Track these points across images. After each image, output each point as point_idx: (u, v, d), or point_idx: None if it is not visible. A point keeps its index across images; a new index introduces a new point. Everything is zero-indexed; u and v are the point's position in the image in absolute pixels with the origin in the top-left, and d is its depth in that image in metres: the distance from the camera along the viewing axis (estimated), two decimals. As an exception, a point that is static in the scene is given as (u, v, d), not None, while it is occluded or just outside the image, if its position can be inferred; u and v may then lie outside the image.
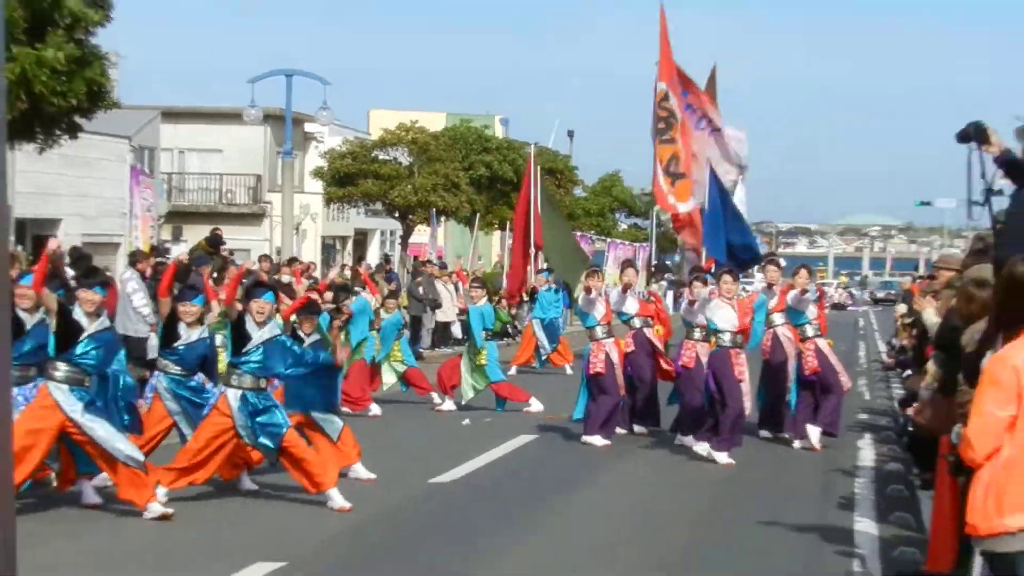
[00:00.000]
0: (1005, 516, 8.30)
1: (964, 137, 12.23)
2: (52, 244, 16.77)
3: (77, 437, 15.56)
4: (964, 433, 8.59)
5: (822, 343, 22.97)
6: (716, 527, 16.55)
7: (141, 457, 15.65)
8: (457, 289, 40.60)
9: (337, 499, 16.39)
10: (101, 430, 15.56)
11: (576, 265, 34.77)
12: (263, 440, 16.42)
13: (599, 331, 23.04)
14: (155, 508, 15.64)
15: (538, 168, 38.69)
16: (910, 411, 19.42)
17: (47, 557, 13.03)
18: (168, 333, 17.67)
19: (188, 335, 17.18)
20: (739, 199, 34.73)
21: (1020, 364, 8.23)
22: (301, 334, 18.04)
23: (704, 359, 21.64)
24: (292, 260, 35.14)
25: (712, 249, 27.56)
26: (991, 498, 8.32)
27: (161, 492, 16.11)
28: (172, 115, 62.18)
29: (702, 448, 20.97)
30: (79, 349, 15.66)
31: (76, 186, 44.04)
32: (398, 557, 14.26)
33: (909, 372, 23.25)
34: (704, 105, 33.75)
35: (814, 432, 22.34)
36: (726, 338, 21.09)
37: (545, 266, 36.20)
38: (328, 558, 14.17)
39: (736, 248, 28.92)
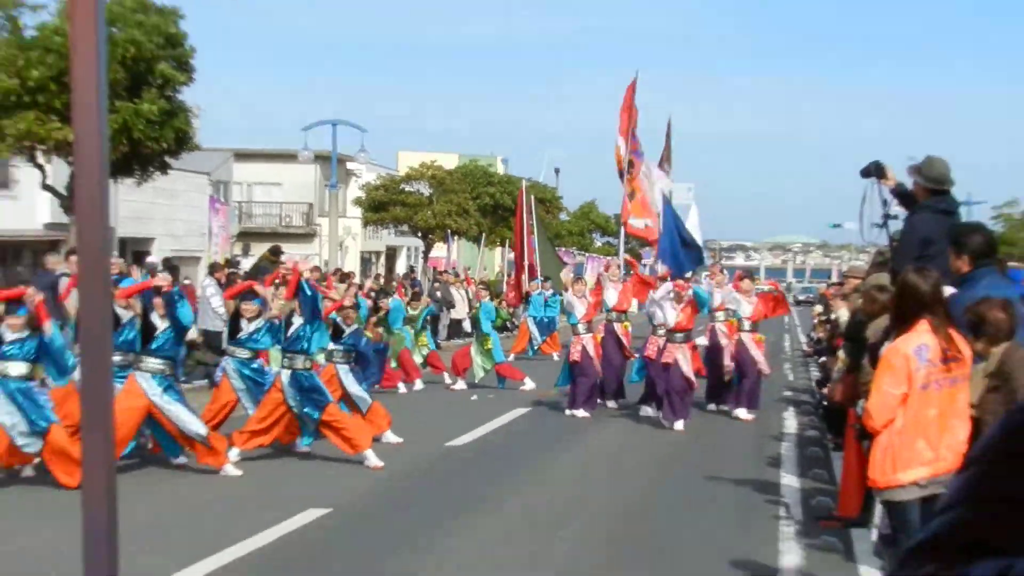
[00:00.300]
0: (898, 472, 8.53)
1: (866, 173, 12.25)
2: (161, 280, 16.91)
3: (159, 417, 15.64)
4: (866, 407, 8.70)
5: (746, 336, 22.99)
6: (670, 479, 16.58)
7: (205, 432, 15.74)
8: (467, 293, 40.97)
9: (371, 459, 16.45)
10: (176, 411, 15.65)
11: (558, 270, 34.98)
12: (308, 410, 16.48)
13: (580, 327, 23.10)
14: (228, 469, 15.76)
15: (531, 197, 38.68)
16: (825, 389, 19.50)
17: (147, 506, 13.00)
18: (233, 327, 17.86)
19: (247, 328, 17.29)
20: (692, 222, 35.10)
21: (910, 352, 8.39)
22: (343, 325, 18.35)
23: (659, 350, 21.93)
24: (337, 271, 35.18)
25: (666, 262, 27.49)
26: (888, 458, 8.53)
27: (234, 452, 16.27)
28: (242, 156, 62.26)
29: (662, 418, 21.05)
30: (155, 344, 15.73)
31: (166, 212, 44.03)
32: (422, 504, 14.25)
33: (823, 358, 23.20)
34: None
35: (741, 410, 22.44)
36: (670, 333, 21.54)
37: (540, 275, 36.11)
38: (365, 505, 14.17)
39: (686, 258, 29.03)
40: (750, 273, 27.05)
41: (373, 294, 26.57)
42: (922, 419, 8.49)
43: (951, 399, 8.58)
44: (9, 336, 14.97)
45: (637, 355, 23.85)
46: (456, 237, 59.83)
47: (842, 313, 18.03)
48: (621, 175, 32.94)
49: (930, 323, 8.51)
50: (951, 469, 8.31)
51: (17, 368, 14.77)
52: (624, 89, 33.46)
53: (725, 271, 26.26)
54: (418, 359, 27.36)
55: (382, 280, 35.20)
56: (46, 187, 28.81)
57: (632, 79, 33.38)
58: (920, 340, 8.48)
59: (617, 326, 23.87)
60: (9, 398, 14.62)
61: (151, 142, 27.95)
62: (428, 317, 29.46)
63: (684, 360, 21.29)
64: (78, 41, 2.42)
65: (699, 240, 32.77)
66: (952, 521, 1.68)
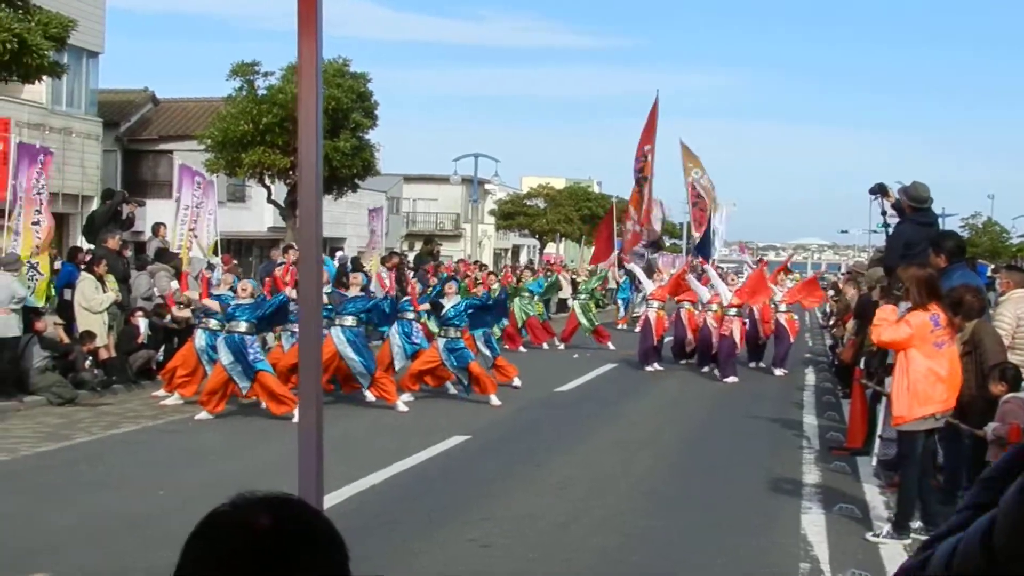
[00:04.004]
0: (920, 408, 8.72)
1: (873, 191, 12.55)
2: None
3: (340, 364, 15.96)
4: (881, 334, 8.97)
5: (782, 316, 22.72)
6: (722, 416, 16.42)
7: (373, 370, 16.00)
8: (571, 280, 40.78)
9: (494, 399, 16.45)
10: (353, 356, 15.88)
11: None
12: (456, 364, 16.57)
13: (650, 303, 23.02)
14: (399, 405, 15.85)
15: (615, 209, 38.58)
16: (838, 351, 19.30)
17: (336, 429, 13.12)
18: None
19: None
20: (719, 223, 35.15)
21: (927, 319, 8.70)
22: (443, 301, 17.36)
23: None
24: (476, 262, 35.37)
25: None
26: (913, 399, 8.71)
27: (406, 396, 16.39)
28: (410, 178, 62.79)
29: (719, 375, 20.94)
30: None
31: (354, 219, 44.31)
32: (534, 432, 14.26)
33: (835, 329, 22.88)
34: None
35: (779, 369, 22.21)
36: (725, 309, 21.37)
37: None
38: (495, 433, 14.16)
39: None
40: (787, 268, 26.71)
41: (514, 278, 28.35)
42: (937, 369, 8.71)
43: (952, 356, 8.85)
44: (239, 302, 15.20)
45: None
46: (563, 239, 60.49)
47: (850, 295, 18.01)
48: (643, 180, 31.75)
49: (937, 302, 8.78)
50: (950, 408, 8.83)
51: (241, 327, 14.96)
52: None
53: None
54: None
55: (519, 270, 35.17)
56: (270, 201, 29.29)
57: (655, 99, 31.52)
58: (932, 312, 8.73)
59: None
60: (231, 346, 14.78)
61: (345, 169, 28.55)
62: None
63: (736, 331, 21.10)
64: (303, 98, 2.44)
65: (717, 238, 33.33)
66: (987, 488, 1.61)
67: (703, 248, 34.77)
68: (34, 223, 17.16)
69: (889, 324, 8.87)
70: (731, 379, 20.46)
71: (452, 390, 17.42)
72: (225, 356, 14.73)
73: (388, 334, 17.85)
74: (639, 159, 31.57)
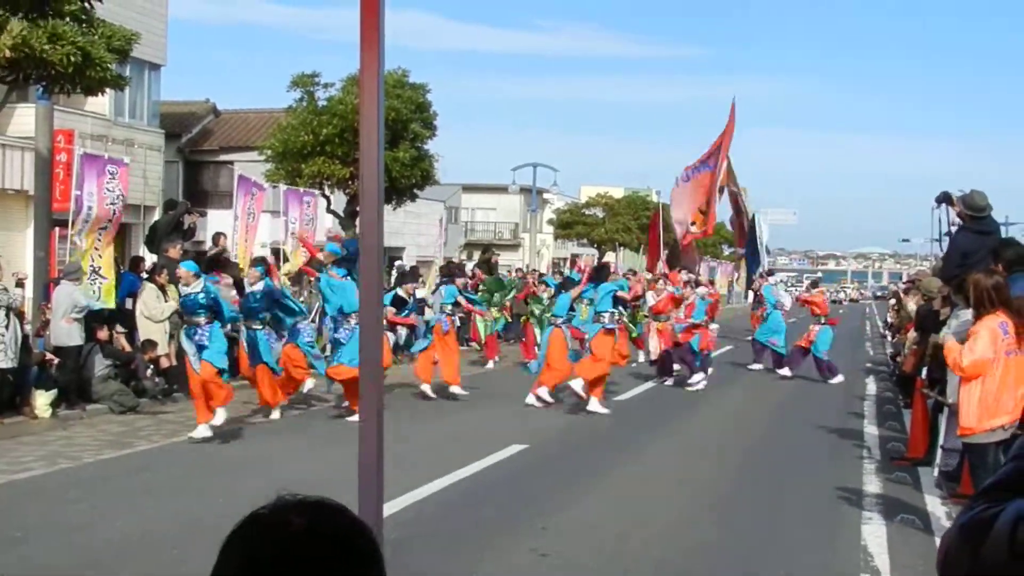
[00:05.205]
0: (989, 420, 8.61)
1: (938, 200, 12.44)
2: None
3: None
4: (960, 363, 8.75)
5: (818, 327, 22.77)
6: (781, 425, 16.32)
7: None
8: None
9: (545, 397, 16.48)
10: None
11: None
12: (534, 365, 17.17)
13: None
14: (457, 390, 16.67)
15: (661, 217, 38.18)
16: (899, 359, 19.11)
17: (394, 437, 13.18)
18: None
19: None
20: (763, 232, 34.77)
21: (996, 327, 8.63)
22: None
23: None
24: (534, 270, 35.36)
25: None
26: (982, 411, 8.60)
27: (457, 389, 17.28)
28: (468, 188, 62.83)
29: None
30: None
31: (413, 229, 44.57)
32: (593, 442, 14.23)
33: (896, 338, 22.67)
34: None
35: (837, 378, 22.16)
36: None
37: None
38: (553, 442, 14.17)
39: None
40: (815, 283, 26.82)
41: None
42: (1007, 379, 8.61)
43: (1020, 365, 8.70)
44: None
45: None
46: (621, 248, 60.42)
47: (911, 304, 17.73)
48: (721, 190, 31.67)
49: (1005, 310, 8.69)
50: (1017, 418, 8.67)
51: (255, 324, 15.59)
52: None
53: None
54: None
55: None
56: (330, 211, 29.49)
57: (732, 104, 31.44)
58: (999, 319, 8.65)
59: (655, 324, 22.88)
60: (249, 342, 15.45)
61: (404, 179, 28.69)
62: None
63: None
64: (365, 108, 2.48)
65: (761, 252, 32.90)
66: (1016, 468, 1.64)
67: (752, 262, 34.40)
68: (101, 228, 17.46)
69: (960, 351, 8.71)
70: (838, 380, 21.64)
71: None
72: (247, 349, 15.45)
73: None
74: (707, 164, 31.35)
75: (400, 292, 19.93)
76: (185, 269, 14.27)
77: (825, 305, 23.62)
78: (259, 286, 15.48)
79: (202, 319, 13.83)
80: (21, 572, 7.71)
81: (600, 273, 18.07)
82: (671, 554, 8.57)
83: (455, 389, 17.89)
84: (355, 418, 14.56)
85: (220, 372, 13.83)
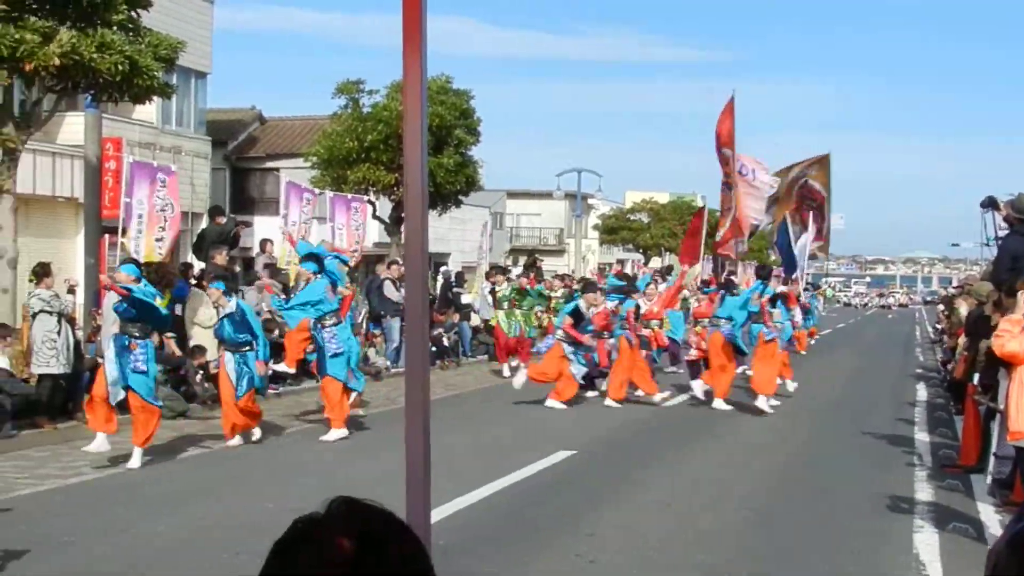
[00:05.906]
0: None
1: (984, 204, 12.24)
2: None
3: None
4: (1007, 347, 8.76)
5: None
6: (829, 432, 16.19)
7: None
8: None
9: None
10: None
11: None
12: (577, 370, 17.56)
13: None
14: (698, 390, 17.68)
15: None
16: (950, 367, 18.89)
17: (440, 445, 13.19)
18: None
19: None
20: (802, 242, 33.55)
21: None
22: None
23: None
24: (583, 279, 35.24)
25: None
26: None
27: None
28: (513, 194, 63.07)
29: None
30: None
31: (458, 235, 44.68)
32: (639, 448, 14.23)
33: (947, 343, 22.44)
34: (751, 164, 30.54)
35: None
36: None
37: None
38: (600, 448, 14.17)
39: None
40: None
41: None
42: None
43: None
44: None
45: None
46: (667, 253, 60.27)
47: (961, 309, 17.50)
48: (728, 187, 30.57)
49: None
50: None
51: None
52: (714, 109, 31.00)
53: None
54: None
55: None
56: (375, 217, 29.60)
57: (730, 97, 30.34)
58: None
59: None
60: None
61: (448, 185, 28.86)
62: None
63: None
64: (408, 114, 2.49)
65: (797, 257, 32.16)
66: None
67: (789, 264, 33.31)
68: (157, 240, 17.67)
69: (1012, 336, 8.63)
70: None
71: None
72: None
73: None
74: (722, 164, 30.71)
75: (581, 304, 18.47)
76: (214, 289, 13.66)
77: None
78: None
79: (244, 347, 13.44)
80: (71, 575, 7.80)
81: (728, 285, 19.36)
82: (717, 559, 8.52)
83: (697, 391, 19.12)
84: (330, 435, 14.07)
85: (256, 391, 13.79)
